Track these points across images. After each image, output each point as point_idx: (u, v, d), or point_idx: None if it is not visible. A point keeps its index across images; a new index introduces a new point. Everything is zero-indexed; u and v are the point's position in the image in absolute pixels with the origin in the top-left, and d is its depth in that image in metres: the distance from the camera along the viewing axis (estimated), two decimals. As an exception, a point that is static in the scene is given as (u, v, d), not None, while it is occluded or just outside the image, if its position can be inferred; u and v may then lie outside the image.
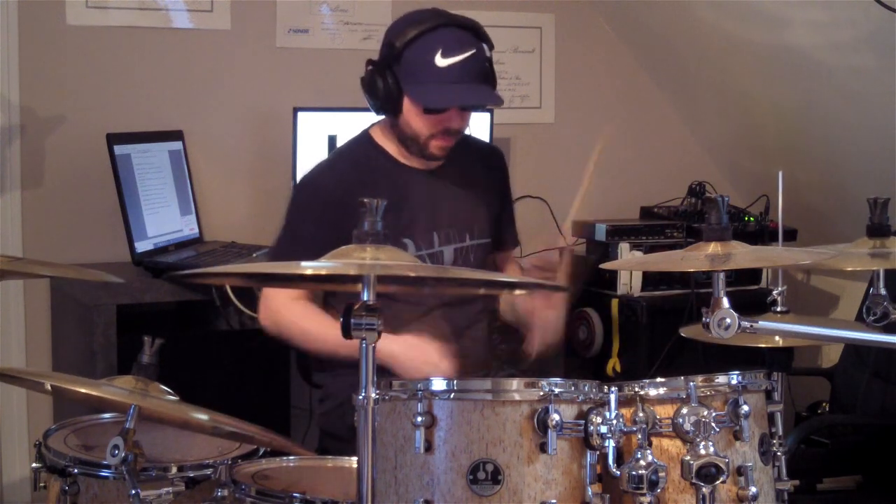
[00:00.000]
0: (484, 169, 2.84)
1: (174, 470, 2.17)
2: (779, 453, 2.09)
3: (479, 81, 2.61)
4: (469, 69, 2.57)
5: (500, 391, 1.86)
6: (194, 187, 3.61)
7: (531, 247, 3.19)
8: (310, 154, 3.57)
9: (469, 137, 2.87)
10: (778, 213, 2.52)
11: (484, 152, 2.90)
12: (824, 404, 3.54)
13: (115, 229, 3.35)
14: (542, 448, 1.84)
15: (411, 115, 2.62)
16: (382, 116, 2.71)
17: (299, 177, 3.52)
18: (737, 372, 1.97)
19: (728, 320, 1.83)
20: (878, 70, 3.32)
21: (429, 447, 1.84)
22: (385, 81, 2.59)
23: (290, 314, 2.64)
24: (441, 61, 2.55)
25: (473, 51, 2.58)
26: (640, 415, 1.88)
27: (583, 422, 1.86)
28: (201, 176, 3.67)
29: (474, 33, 2.61)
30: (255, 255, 3.37)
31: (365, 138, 2.77)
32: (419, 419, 1.84)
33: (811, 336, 2.14)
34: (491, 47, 2.64)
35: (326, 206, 2.62)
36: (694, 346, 3.08)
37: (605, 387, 1.90)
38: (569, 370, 3.73)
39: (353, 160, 2.74)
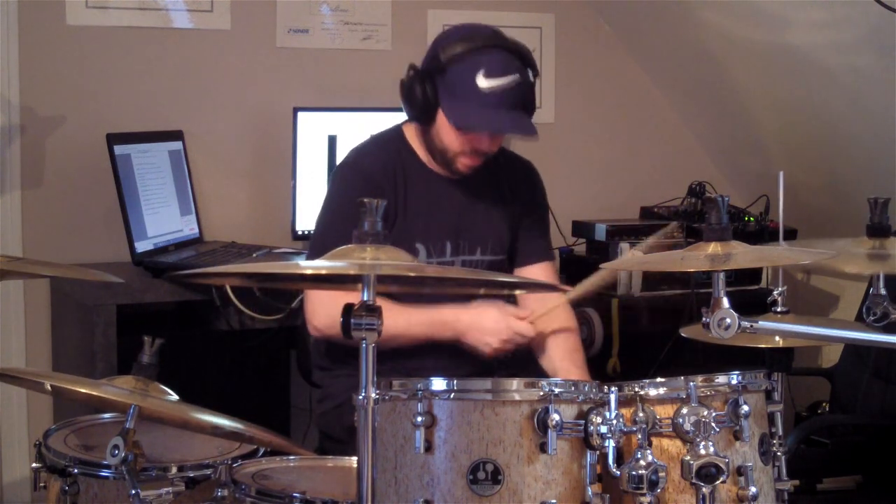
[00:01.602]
0: (511, 182, 2.80)
1: (174, 470, 2.17)
2: (779, 453, 2.09)
3: (517, 108, 2.58)
4: (509, 95, 2.54)
5: (500, 391, 1.86)
6: (194, 187, 3.61)
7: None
8: (310, 154, 3.58)
9: (501, 149, 2.80)
10: (778, 213, 2.52)
11: (514, 165, 2.84)
12: (824, 404, 3.54)
13: (115, 229, 3.34)
14: (542, 448, 1.84)
15: (444, 128, 2.60)
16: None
17: (299, 177, 3.57)
18: (737, 372, 1.98)
19: (728, 320, 1.83)
20: (878, 70, 3.32)
21: (429, 447, 1.84)
22: (424, 90, 2.57)
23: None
24: (483, 82, 2.52)
25: (517, 76, 2.55)
26: (640, 415, 1.88)
27: (583, 422, 1.87)
28: (201, 176, 3.67)
29: (521, 59, 2.58)
30: (255, 255, 3.37)
31: (398, 134, 2.75)
32: (419, 419, 1.84)
33: (811, 336, 2.14)
34: (536, 74, 2.62)
35: (368, 184, 2.60)
36: (694, 346, 3.07)
37: (605, 387, 1.90)
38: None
39: (385, 151, 2.71)
